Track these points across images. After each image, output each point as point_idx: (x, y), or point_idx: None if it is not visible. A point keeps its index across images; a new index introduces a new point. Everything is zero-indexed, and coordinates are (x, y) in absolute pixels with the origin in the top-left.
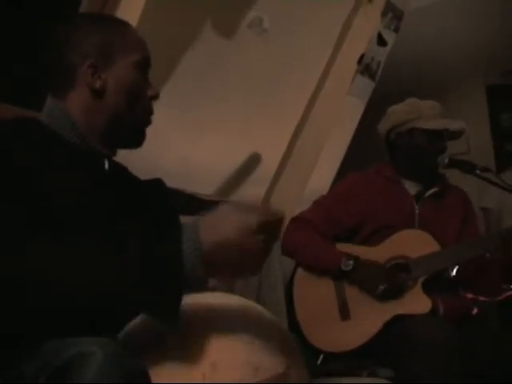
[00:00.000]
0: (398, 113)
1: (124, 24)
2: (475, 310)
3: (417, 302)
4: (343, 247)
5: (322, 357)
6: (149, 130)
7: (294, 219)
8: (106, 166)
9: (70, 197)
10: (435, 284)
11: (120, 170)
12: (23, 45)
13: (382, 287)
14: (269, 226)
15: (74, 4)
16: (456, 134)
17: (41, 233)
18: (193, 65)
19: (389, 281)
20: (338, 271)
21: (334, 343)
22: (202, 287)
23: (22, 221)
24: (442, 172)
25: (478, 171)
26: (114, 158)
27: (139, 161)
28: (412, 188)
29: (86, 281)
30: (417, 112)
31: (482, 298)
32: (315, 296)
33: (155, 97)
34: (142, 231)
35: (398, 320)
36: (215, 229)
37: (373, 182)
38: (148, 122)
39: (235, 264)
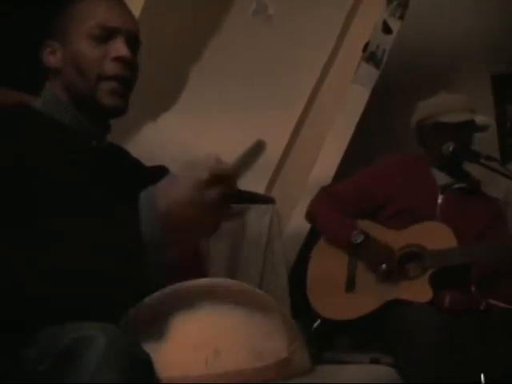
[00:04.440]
0: (423, 107)
1: None
2: (483, 305)
3: (419, 291)
4: (366, 224)
5: (318, 322)
6: (151, 119)
7: (324, 189)
8: (94, 142)
9: (56, 175)
10: (447, 277)
11: (114, 149)
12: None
13: (384, 266)
14: (220, 179)
15: None
16: (482, 129)
17: (29, 216)
18: (195, 54)
19: (394, 263)
20: (347, 243)
21: (332, 311)
22: (166, 252)
23: (11, 208)
24: (477, 178)
25: (482, 160)
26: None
27: (142, 149)
28: (441, 179)
29: (67, 260)
30: (442, 106)
31: (502, 305)
32: (329, 265)
33: (118, 58)
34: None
35: (396, 305)
36: (168, 190)
37: (407, 166)
38: (111, 84)
39: (193, 220)
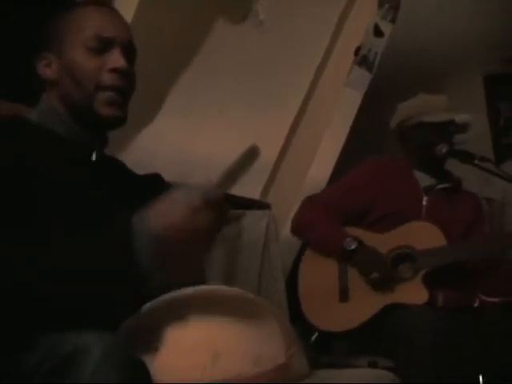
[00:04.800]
0: (405, 108)
1: (79, 6)
2: (477, 303)
3: (414, 293)
4: (352, 231)
5: (316, 335)
6: (145, 123)
7: (309, 199)
8: (94, 156)
9: (54, 189)
10: (438, 275)
11: (111, 162)
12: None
13: (376, 274)
14: (212, 205)
15: None
16: (463, 128)
17: (29, 216)
18: (189, 56)
19: (386, 270)
20: (340, 250)
21: (329, 323)
22: (161, 273)
23: (11, 208)
24: (458, 176)
25: (476, 161)
26: (111, 152)
27: (137, 152)
28: (424, 180)
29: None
30: (423, 106)
31: (490, 300)
32: (319, 274)
33: (116, 69)
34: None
35: (392, 309)
36: (162, 215)
37: (388, 169)
38: (109, 94)
39: (186, 244)
